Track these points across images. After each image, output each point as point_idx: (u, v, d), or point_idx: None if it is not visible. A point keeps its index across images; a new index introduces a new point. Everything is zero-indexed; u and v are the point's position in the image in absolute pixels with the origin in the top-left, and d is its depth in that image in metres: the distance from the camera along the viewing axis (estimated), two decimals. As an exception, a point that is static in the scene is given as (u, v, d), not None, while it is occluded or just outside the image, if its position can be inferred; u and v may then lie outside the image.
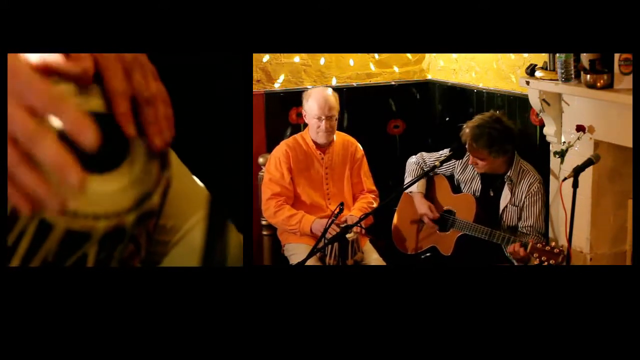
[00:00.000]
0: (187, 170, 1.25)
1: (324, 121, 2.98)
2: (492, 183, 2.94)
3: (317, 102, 2.98)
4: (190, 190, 1.23)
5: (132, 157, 0.92)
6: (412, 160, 3.17)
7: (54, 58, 0.88)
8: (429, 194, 3.09)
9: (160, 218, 0.99)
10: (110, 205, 0.87)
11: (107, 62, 0.92)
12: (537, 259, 2.60)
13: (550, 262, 2.56)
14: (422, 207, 3.03)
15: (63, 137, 0.78)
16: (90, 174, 0.86)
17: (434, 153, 3.14)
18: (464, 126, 2.88)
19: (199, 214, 1.22)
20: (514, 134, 2.86)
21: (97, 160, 0.85)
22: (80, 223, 0.85)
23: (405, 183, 3.04)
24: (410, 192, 3.09)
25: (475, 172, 2.97)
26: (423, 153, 3.18)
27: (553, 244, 2.60)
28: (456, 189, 3.05)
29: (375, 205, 3.07)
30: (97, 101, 0.91)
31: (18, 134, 0.77)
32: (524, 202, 2.85)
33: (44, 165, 0.78)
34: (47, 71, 0.87)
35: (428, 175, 3.07)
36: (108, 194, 0.87)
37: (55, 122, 0.79)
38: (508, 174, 2.88)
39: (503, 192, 2.90)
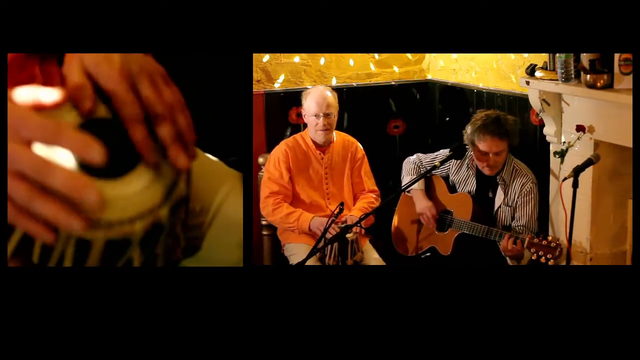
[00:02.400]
0: (199, 149, 1.24)
1: (321, 118, 2.98)
2: (486, 183, 2.94)
3: (315, 100, 2.99)
4: (208, 167, 1.23)
5: None
6: (409, 160, 3.17)
7: (48, 96, 0.85)
8: (428, 194, 3.09)
9: (189, 203, 0.98)
10: (142, 205, 0.86)
11: (111, 87, 0.88)
12: (535, 254, 2.59)
13: (548, 256, 2.55)
14: (422, 205, 3.03)
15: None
16: (113, 179, 0.84)
17: (430, 154, 3.14)
18: (470, 128, 2.86)
19: (223, 188, 1.21)
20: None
21: (116, 165, 0.84)
22: (118, 231, 0.84)
23: (403, 183, 3.04)
24: (410, 190, 3.09)
25: (470, 172, 2.97)
26: (419, 154, 3.18)
27: (550, 238, 2.60)
28: (452, 189, 3.05)
29: (376, 205, 3.06)
30: (101, 108, 0.89)
31: (26, 169, 0.76)
32: (516, 202, 2.85)
33: (59, 192, 0.77)
34: (42, 108, 0.84)
35: (427, 175, 3.07)
36: (136, 194, 0.86)
37: (59, 150, 0.78)
38: (501, 174, 2.88)
39: (497, 192, 2.91)
